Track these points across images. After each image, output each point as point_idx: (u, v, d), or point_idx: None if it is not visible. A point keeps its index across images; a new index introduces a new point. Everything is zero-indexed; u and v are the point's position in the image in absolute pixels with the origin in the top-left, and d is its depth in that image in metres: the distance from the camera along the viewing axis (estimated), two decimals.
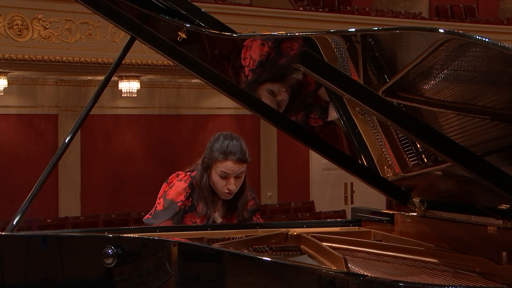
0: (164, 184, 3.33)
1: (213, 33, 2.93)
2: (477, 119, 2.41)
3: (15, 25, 9.69)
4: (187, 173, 3.33)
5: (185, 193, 3.27)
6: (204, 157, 3.29)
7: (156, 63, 10.52)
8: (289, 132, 3.09)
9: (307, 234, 2.95)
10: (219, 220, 3.33)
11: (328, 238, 2.95)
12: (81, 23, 10.11)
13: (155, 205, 3.30)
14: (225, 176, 3.23)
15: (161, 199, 3.28)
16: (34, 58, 9.81)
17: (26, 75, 10.79)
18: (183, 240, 2.63)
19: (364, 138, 3.10)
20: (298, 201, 12.83)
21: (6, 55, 9.61)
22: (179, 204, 3.26)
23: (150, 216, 3.28)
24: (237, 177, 3.25)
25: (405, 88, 2.55)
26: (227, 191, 3.25)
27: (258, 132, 13.15)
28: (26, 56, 9.76)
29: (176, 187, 3.29)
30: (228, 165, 3.22)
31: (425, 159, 2.90)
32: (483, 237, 2.59)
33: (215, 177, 3.25)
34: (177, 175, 3.33)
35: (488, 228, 2.57)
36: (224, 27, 2.94)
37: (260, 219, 3.45)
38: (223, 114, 12.77)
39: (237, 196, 3.32)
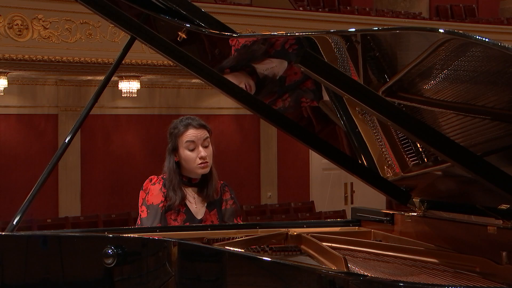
0: (141, 192, 3.36)
1: (213, 33, 2.93)
2: (477, 119, 2.41)
3: (15, 25, 9.69)
4: (159, 177, 3.37)
5: (162, 194, 3.31)
6: (169, 143, 3.36)
7: (156, 63, 10.53)
8: (289, 132, 3.09)
9: (307, 234, 2.95)
10: (200, 215, 3.34)
11: (328, 238, 2.95)
12: (81, 23, 10.11)
13: (139, 215, 3.32)
14: (193, 148, 3.29)
15: (143, 207, 3.31)
16: (34, 58, 9.81)
17: (26, 75, 10.78)
18: (183, 240, 2.63)
19: (364, 138, 3.10)
20: (298, 201, 12.82)
21: (6, 55, 9.61)
22: (160, 205, 3.29)
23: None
24: (205, 147, 3.30)
25: (405, 88, 2.55)
26: (201, 160, 3.29)
27: (258, 132, 13.15)
28: (26, 56, 9.76)
29: (152, 191, 3.32)
30: (191, 133, 3.29)
31: (425, 159, 2.89)
32: (483, 237, 2.59)
33: (184, 152, 3.30)
34: (150, 180, 3.38)
35: (488, 228, 2.57)
36: (224, 27, 2.94)
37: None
38: (223, 114, 12.77)
39: (207, 177, 3.35)
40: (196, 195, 3.36)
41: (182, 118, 3.38)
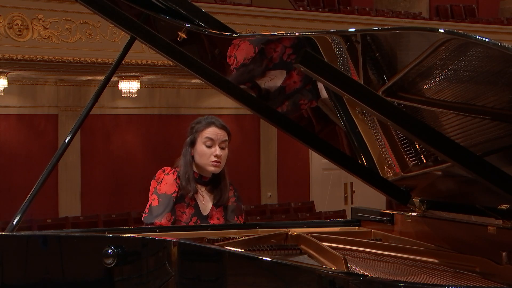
0: (153, 181, 3.39)
1: (213, 33, 2.93)
2: (477, 119, 2.41)
3: (15, 25, 9.69)
4: (172, 169, 3.41)
5: (176, 184, 3.34)
6: (188, 137, 3.41)
7: (156, 63, 10.53)
8: (289, 132, 3.09)
9: (307, 234, 2.95)
10: (207, 211, 3.38)
11: (328, 238, 2.95)
12: (81, 23, 10.11)
13: (149, 203, 3.35)
14: (210, 145, 3.34)
15: (154, 195, 3.34)
16: (34, 58, 9.81)
17: (26, 75, 10.79)
18: (183, 240, 2.63)
19: (364, 138, 3.10)
20: (298, 201, 12.82)
21: (6, 55, 9.62)
22: (173, 195, 3.33)
23: (147, 215, 3.33)
24: (222, 148, 3.36)
25: (405, 88, 2.55)
26: (215, 159, 3.34)
27: (258, 132, 13.15)
28: (26, 56, 9.76)
29: (166, 181, 3.35)
30: (212, 130, 3.36)
31: (425, 159, 2.89)
32: (483, 237, 2.59)
33: (201, 147, 3.35)
34: (163, 170, 3.41)
35: (488, 228, 2.57)
36: (224, 27, 2.95)
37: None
38: (223, 114, 12.74)
39: (218, 179, 3.41)
40: (206, 192, 3.41)
41: (207, 116, 3.47)
